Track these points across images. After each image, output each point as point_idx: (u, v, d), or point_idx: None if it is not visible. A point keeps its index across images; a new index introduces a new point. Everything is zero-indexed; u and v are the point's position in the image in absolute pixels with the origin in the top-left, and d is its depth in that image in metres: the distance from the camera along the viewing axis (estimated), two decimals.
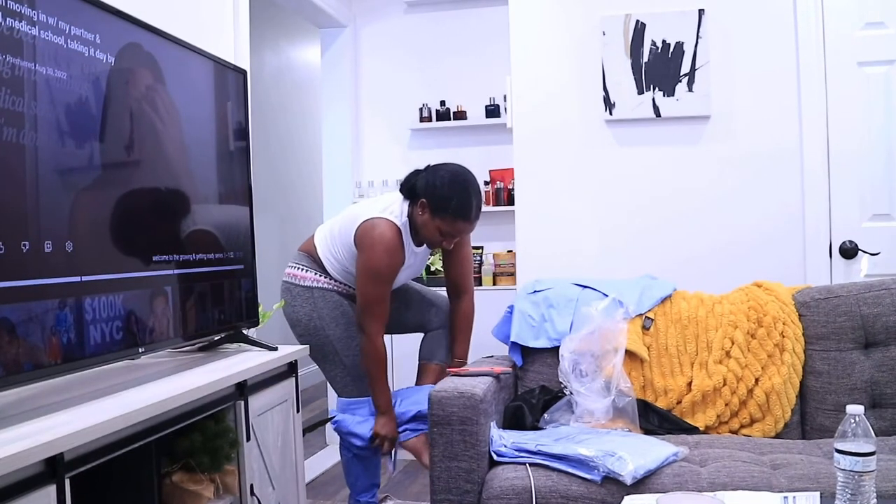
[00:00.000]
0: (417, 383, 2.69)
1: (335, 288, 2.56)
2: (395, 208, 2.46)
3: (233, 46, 2.91)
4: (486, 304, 3.44)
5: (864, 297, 2.32)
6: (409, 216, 2.46)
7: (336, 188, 4.20)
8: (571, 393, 2.32)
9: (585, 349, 2.37)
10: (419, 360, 2.72)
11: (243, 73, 2.44)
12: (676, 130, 3.02)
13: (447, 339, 2.69)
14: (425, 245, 2.56)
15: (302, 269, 2.58)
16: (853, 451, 1.36)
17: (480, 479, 2.04)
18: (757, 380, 2.32)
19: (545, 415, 2.31)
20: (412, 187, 2.44)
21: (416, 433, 2.50)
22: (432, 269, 3.82)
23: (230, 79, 2.35)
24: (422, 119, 4.15)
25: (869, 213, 2.88)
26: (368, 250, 2.40)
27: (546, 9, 3.14)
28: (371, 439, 2.50)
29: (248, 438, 1.98)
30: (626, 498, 1.69)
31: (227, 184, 2.31)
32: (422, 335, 2.75)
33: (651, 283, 2.63)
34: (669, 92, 2.97)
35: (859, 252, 2.87)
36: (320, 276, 2.55)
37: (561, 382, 2.39)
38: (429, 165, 2.49)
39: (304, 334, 2.54)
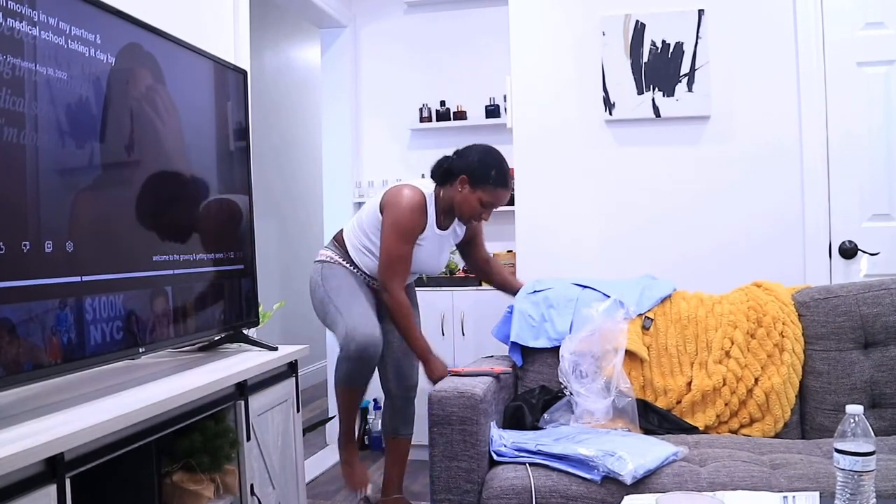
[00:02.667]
0: (387, 459, 2.78)
1: (349, 266, 2.63)
2: (423, 184, 2.62)
3: (233, 46, 2.91)
4: (487, 304, 3.44)
5: (863, 297, 2.33)
6: (438, 198, 2.59)
7: (336, 188, 4.20)
8: (571, 393, 2.32)
9: (585, 350, 2.37)
10: (384, 435, 2.80)
11: (243, 73, 2.44)
12: (676, 130, 3.02)
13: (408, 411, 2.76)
14: (451, 230, 2.67)
15: (326, 249, 2.69)
16: (853, 450, 1.36)
17: (480, 479, 2.04)
18: (756, 380, 2.32)
19: (545, 415, 2.31)
20: (446, 170, 2.57)
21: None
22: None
23: (230, 79, 2.35)
24: (422, 119, 4.15)
25: (869, 213, 2.88)
26: (394, 208, 2.52)
27: (546, 9, 3.14)
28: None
29: (248, 438, 1.98)
30: (626, 498, 1.69)
31: (227, 184, 2.31)
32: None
33: (651, 283, 2.64)
34: (669, 92, 2.97)
35: (859, 252, 2.87)
36: (336, 255, 2.65)
37: (561, 382, 2.39)
38: (457, 150, 2.61)
39: (313, 300, 2.64)
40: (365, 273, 2.63)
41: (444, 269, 2.78)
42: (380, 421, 3.84)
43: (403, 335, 2.57)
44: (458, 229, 2.72)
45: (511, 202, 3.60)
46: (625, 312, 2.47)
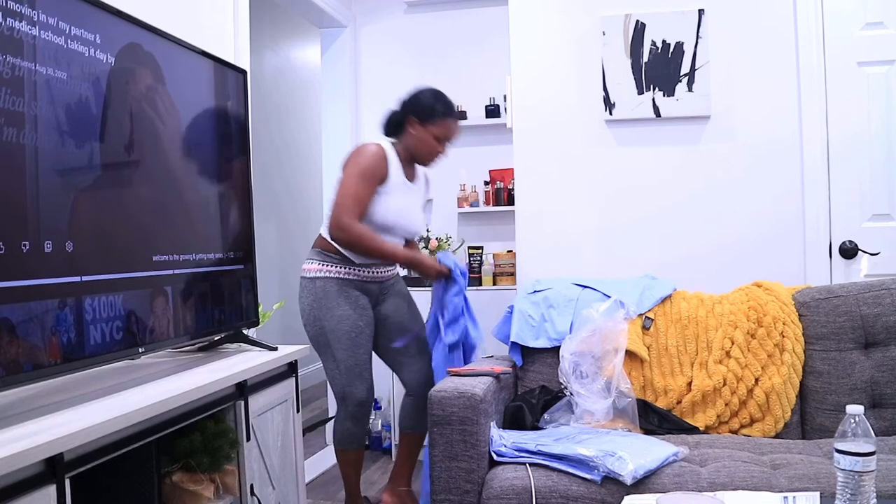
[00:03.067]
0: (400, 452, 2.78)
1: (337, 275, 2.56)
2: (379, 140, 2.64)
3: (233, 46, 2.91)
4: (487, 304, 3.44)
5: (864, 297, 2.33)
6: (398, 149, 2.61)
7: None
8: (572, 394, 2.32)
9: (586, 350, 2.37)
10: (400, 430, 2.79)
11: (243, 73, 2.44)
12: (676, 130, 3.02)
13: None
14: (419, 183, 2.70)
15: (309, 262, 2.62)
16: (853, 451, 1.36)
17: (480, 479, 2.04)
18: (757, 380, 2.32)
19: (545, 415, 2.31)
20: (395, 121, 2.64)
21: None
22: None
23: (230, 79, 2.35)
24: None
25: (869, 213, 2.88)
26: (353, 157, 2.54)
27: (546, 9, 3.14)
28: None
29: (248, 438, 1.98)
30: (626, 498, 1.69)
31: (226, 183, 2.31)
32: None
33: (651, 283, 2.64)
34: (669, 92, 2.97)
35: (859, 252, 2.87)
36: (324, 265, 2.57)
37: (561, 383, 2.39)
38: (400, 100, 2.67)
39: (306, 324, 2.59)
40: (356, 266, 2.58)
41: (424, 233, 2.72)
42: (379, 421, 3.85)
43: (383, 257, 2.55)
44: (425, 187, 2.75)
45: (511, 202, 3.61)
46: (625, 312, 2.47)
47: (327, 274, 2.56)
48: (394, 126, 2.66)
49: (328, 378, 2.61)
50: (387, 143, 2.61)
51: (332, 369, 2.57)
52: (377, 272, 2.63)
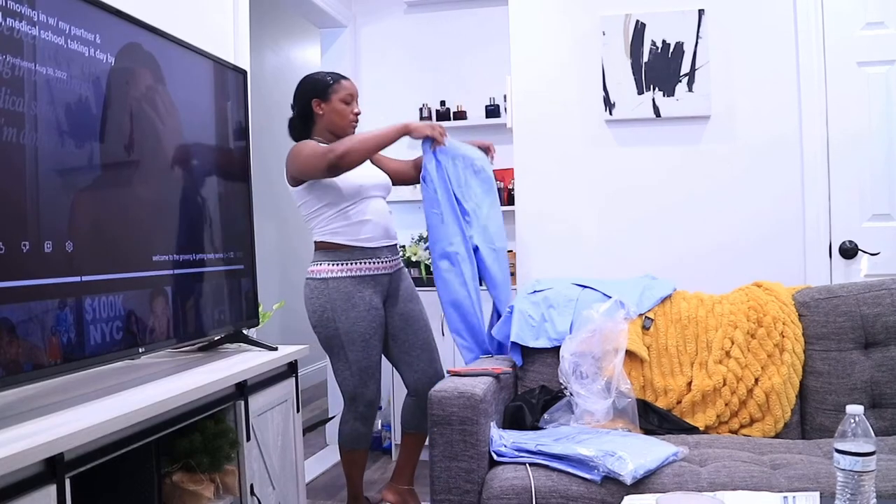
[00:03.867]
0: (402, 452, 2.80)
1: (349, 273, 2.57)
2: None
3: (233, 46, 2.91)
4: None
5: (864, 297, 2.32)
6: (320, 138, 2.64)
7: None
8: (572, 394, 2.32)
9: (586, 350, 2.37)
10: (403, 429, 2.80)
11: (243, 73, 2.44)
12: (676, 130, 3.02)
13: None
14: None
15: (317, 264, 2.61)
16: (853, 451, 1.36)
17: (480, 479, 2.04)
18: (757, 380, 2.32)
19: (545, 415, 2.31)
20: (300, 121, 2.69)
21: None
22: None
23: (230, 79, 2.35)
24: (422, 119, 4.15)
25: (869, 213, 2.88)
26: (291, 157, 2.57)
27: (546, 9, 3.14)
28: None
29: (248, 438, 1.98)
30: (626, 498, 1.69)
31: (226, 184, 2.31)
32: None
33: (651, 283, 2.63)
34: (669, 92, 2.97)
35: (859, 252, 2.87)
36: (334, 264, 2.57)
37: (561, 383, 2.39)
38: (291, 106, 2.73)
39: (318, 325, 2.59)
40: (365, 259, 2.58)
41: (391, 186, 2.80)
42: (379, 421, 3.85)
43: (375, 146, 2.57)
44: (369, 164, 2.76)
45: (511, 202, 3.61)
46: (625, 313, 2.47)
47: (339, 274, 2.56)
48: (301, 126, 2.69)
49: (337, 379, 2.62)
50: (307, 140, 2.62)
51: (343, 370, 2.58)
52: (385, 262, 2.63)
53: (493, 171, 2.84)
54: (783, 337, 2.35)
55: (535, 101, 3.15)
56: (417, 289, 2.86)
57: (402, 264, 2.79)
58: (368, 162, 2.71)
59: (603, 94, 3.04)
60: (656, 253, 3.00)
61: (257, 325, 2.48)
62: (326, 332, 2.56)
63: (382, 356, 2.70)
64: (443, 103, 4.13)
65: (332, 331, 2.55)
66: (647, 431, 2.26)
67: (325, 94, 2.63)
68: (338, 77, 2.68)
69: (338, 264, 2.56)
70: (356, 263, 2.57)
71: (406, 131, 2.61)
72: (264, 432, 2.09)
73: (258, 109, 4.18)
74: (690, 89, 2.95)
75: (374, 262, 2.60)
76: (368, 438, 2.67)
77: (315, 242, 2.64)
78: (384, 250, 2.63)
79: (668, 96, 2.97)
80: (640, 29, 2.99)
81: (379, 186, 2.69)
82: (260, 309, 2.47)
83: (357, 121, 2.71)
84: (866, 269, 2.86)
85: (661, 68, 2.97)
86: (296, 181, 2.59)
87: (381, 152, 2.73)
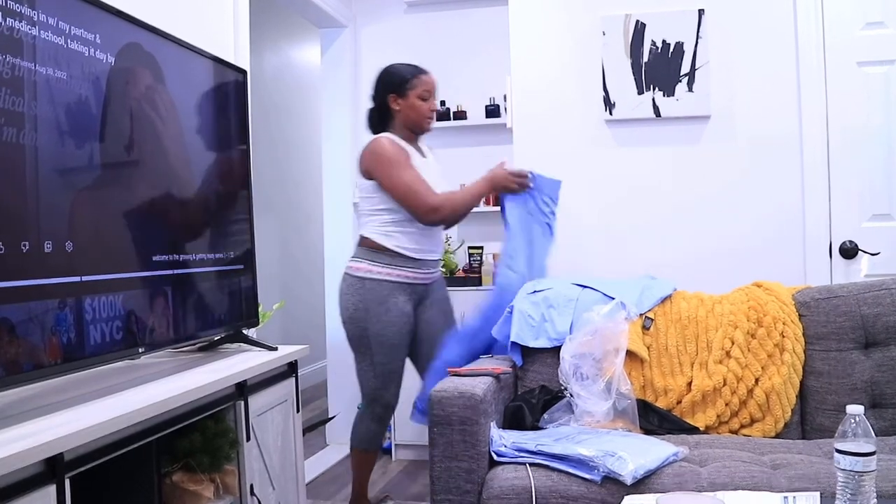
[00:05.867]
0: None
1: (389, 278, 2.58)
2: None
3: (233, 46, 2.91)
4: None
5: (864, 297, 2.32)
6: (396, 132, 2.65)
7: (336, 188, 4.20)
8: (572, 395, 2.32)
9: (586, 351, 2.37)
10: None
11: (243, 73, 2.44)
12: (676, 130, 3.02)
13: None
14: (431, 157, 2.74)
15: (357, 261, 2.62)
16: (853, 451, 1.36)
17: (480, 479, 2.04)
18: (757, 380, 2.32)
19: (545, 415, 2.31)
20: (377, 114, 2.69)
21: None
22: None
23: (230, 79, 2.35)
24: None
25: (869, 213, 2.88)
26: (374, 156, 2.56)
27: (546, 9, 3.14)
28: None
29: (248, 438, 1.98)
30: (626, 498, 1.69)
31: (226, 184, 2.31)
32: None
33: (651, 283, 2.63)
34: (669, 92, 2.97)
35: (859, 252, 2.87)
36: (374, 265, 2.58)
37: (561, 384, 2.39)
38: (370, 96, 2.74)
39: (348, 322, 2.60)
40: (406, 267, 2.59)
41: None
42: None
43: (467, 207, 2.62)
44: (434, 157, 2.79)
45: None
46: (626, 314, 2.47)
47: (377, 276, 2.57)
48: (378, 118, 2.69)
49: (359, 377, 2.64)
50: (385, 134, 2.64)
51: (366, 370, 2.61)
52: (425, 273, 2.66)
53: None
54: (783, 337, 2.35)
55: (535, 101, 3.15)
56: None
57: (440, 275, 2.80)
58: (437, 176, 2.71)
59: (603, 93, 3.04)
60: (656, 253, 3.00)
61: (257, 325, 2.48)
62: (356, 330, 2.58)
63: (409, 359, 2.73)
64: (443, 103, 4.12)
65: (362, 330, 2.57)
66: (648, 431, 2.26)
67: (402, 89, 2.62)
68: (416, 71, 2.65)
69: (378, 265, 2.58)
70: (396, 269, 2.59)
71: (492, 188, 2.65)
72: (264, 432, 2.09)
73: (258, 109, 4.19)
74: (690, 89, 2.96)
75: (413, 272, 2.62)
76: (380, 440, 2.70)
77: (361, 237, 2.65)
78: (428, 262, 2.67)
79: (668, 96, 2.97)
80: (640, 29, 2.99)
81: None
82: (260, 309, 2.47)
83: (433, 117, 2.70)
84: (866, 269, 2.86)
85: (661, 68, 2.97)
86: (369, 176, 2.60)
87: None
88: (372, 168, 2.57)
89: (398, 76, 2.63)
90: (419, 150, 2.71)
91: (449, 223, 2.64)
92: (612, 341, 2.36)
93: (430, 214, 2.53)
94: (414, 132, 2.67)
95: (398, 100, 2.62)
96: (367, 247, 2.61)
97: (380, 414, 2.64)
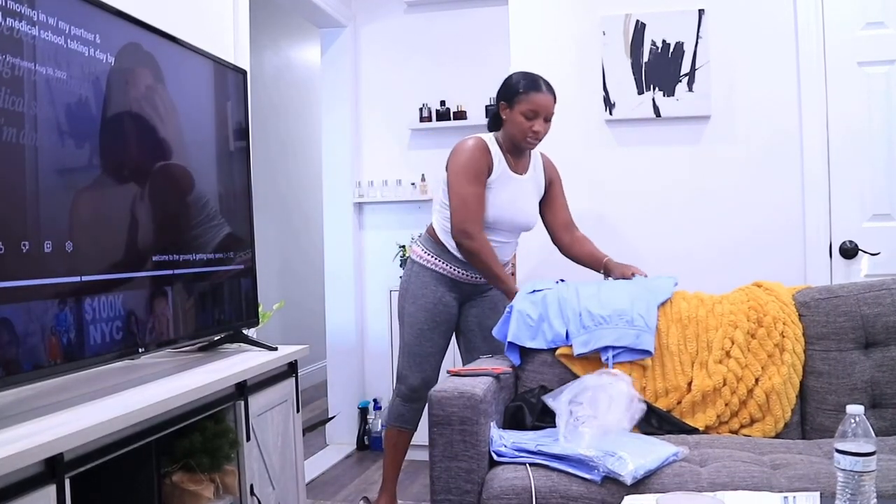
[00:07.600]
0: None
1: (436, 268, 2.63)
2: (485, 134, 2.64)
3: (233, 46, 2.91)
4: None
5: (864, 297, 2.32)
6: (501, 141, 2.60)
7: (336, 188, 4.20)
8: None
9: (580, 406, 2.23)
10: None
11: (243, 73, 2.44)
12: (676, 130, 3.02)
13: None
14: (530, 176, 2.66)
15: (418, 245, 2.71)
16: (853, 451, 1.36)
17: (480, 479, 2.04)
18: (757, 380, 2.32)
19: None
20: (493, 114, 2.64)
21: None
22: None
23: (230, 79, 2.35)
24: (422, 119, 4.14)
25: (869, 213, 2.88)
26: (455, 156, 2.55)
27: (546, 9, 3.14)
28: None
29: (248, 438, 1.98)
30: (626, 498, 1.69)
31: (226, 184, 2.31)
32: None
33: (650, 286, 2.61)
34: (669, 92, 2.97)
35: (859, 252, 2.87)
36: (427, 253, 2.65)
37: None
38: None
39: (399, 300, 2.71)
40: (455, 266, 2.61)
41: (533, 227, 2.71)
42: (380, 421, 3.85)
43: (489, 277, 2.58)
44: (539, 178, 2.71)
45: None
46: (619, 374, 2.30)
47: (427, 264, 2.64)
48: (493, 119, 2.65)
49: (400, 353, 2.71)
50: (489, 136, 2.60)
51: (400, 347, 2.70)
52: (473, 276, 2.66)
53: None
54: (783, 337, 2.35)
55: None
56: None
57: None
58: (526, 197, 2.65)
59: (603, 93, 3.04)
60: (656, 252, 3.00)
61: (257, 325, 2.48)
62: (399, 307, 2.69)
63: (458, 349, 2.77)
64: (443, 103, 4.13)
65: (401, 309, 2.68)
66: (647, 432, 2.25)
67: (512, 100, 2.54)
68: (531, 86, 2.52)
69: (431, 255, 2.64)
70: (445, 263, 2.63)
71: (508, 296, 2.57)
72: (264, 432, 2.08)
73: (258, 109, 4.19)
74: (690, 89, 2.96)
75: (462, 273, 2.65)
76: (408, 421, 2.70)
77: (429, 226, 2.71)
78: (476, 274, 2.66)
79: (668, 96, 2.97)
80: (640, 29, 2.99)
81: (516, 227, 2.68)
82: (260, 309, 2.47)
83: (535, 139, 2.56)
84: (866, 269, 2.86)
85: (661, 68, 2.97)
86: (447, 169, 2.60)
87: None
88: (448, 164, 2.58)
89: (511, 86, 2.55)
90: (520, 164, 2.64)
91: (470, 258, 2.55)
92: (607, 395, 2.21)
93: (460, 236, 2.52)
94: (514, 145, 2.59)
95: (506, 109, 2.56)
96: (430, 236, 2.68)
97: (405, 392, 2.66)
